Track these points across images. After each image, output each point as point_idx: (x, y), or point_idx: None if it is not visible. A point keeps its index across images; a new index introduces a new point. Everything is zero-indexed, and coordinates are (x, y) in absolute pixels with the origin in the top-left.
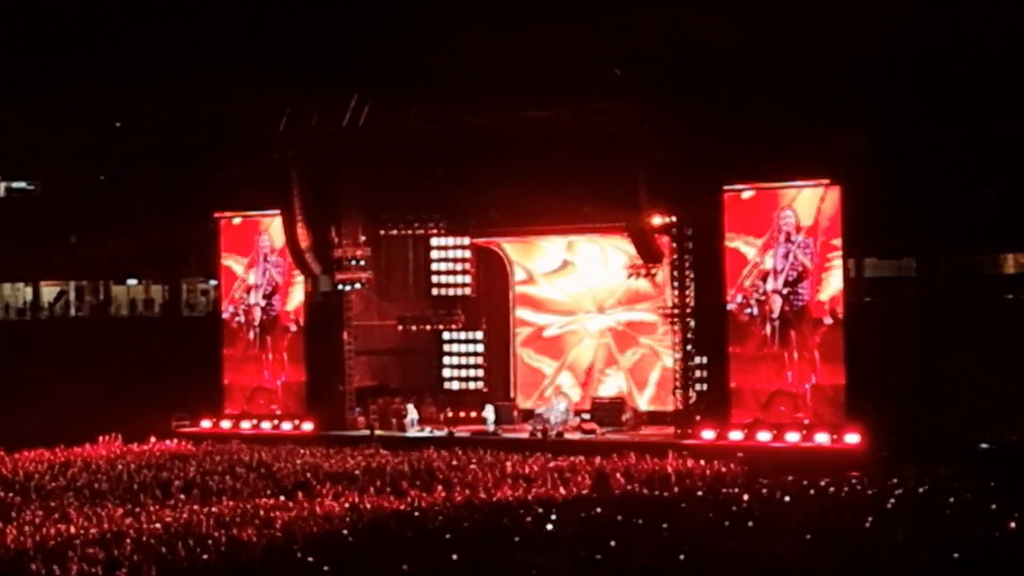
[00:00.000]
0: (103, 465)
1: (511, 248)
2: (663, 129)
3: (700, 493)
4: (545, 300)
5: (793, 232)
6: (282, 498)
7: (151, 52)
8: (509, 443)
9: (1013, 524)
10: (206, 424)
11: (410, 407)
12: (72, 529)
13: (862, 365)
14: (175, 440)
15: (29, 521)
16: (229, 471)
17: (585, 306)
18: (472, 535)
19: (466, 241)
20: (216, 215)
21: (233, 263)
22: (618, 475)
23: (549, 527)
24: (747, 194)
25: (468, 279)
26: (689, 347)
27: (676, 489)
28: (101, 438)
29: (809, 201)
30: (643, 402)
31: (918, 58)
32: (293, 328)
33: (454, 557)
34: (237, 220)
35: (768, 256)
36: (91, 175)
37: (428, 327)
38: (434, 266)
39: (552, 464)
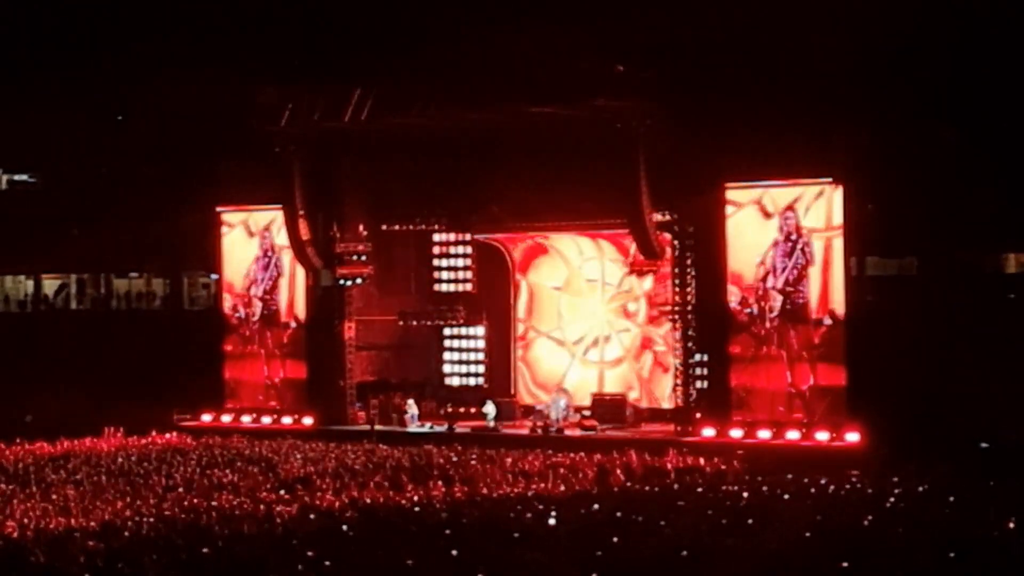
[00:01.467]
0: (104, 458)
1: (518, 253)
2: (665, 126)
3: (700, 490)
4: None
5: (794, 231)
6: (282, 492)
7: (154, 45)
8: (509, 439)
9: (1012, 524)
10: (207, 418)
11: (411, 402)
12: (72, 522)
13: (863, 363)
14: (176, 434)
15: (30, 513)
16: (229, 465)
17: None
18: (472, 531)
19: (467, 237)
20: (218, 209)
21: (233, 265)
22: (618, 472)
23: (549, 523)
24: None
25: (469, 275)
26: (689, 344)
27: (676, 486)
28: (103, 431)
29: (810, 199)
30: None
31: (921, 56)
32: (294, 323)
33: (454, 553)
34: (238, 215)
35: (769, 255)
36: (93, 168)
37: (429, 323)
38: (436, 262)
39: (552, 460)
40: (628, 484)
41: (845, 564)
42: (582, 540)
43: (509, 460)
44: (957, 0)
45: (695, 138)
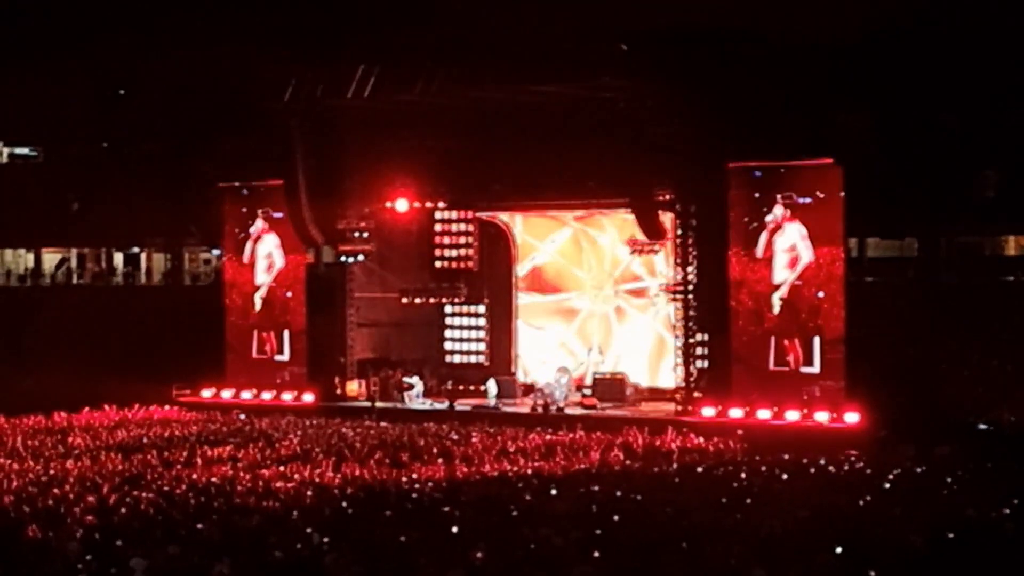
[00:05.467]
0: (102, 433)
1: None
2: (668, 106)
3: (700, 470)
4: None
5: (795, 211)
6: (282, 468)
7: (157, 20)
8: (510, 417)
9: (1009, 505)
10: (207, 393)
11: (416, 379)
12: (70, 496)
13: (862, 344)
14: (176, 409)
15: (27, 487)
16: (229, 440)
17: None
18: (471, 508)
19: (470, 214)
20: (220, 185)
21: (234, 241)
22: (618, 451)
23: (548, 502)
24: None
25: (471, 252)
26: (691, 324)
27: (675, 465)
28: (104, 406)
29: (811, 180)
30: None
31: (921, 38)
32: (294, 299)
33: (453, 530)
34: (240, 191)
35: (770, 235)
36: (95, 143)
37: (431, 300)
38: (437, 239)
39: (552, 439)
40: (628, 463)
41: (843, 544)
42: (581, 519)
43: (509, 438)
44: None
45: (698, 118)
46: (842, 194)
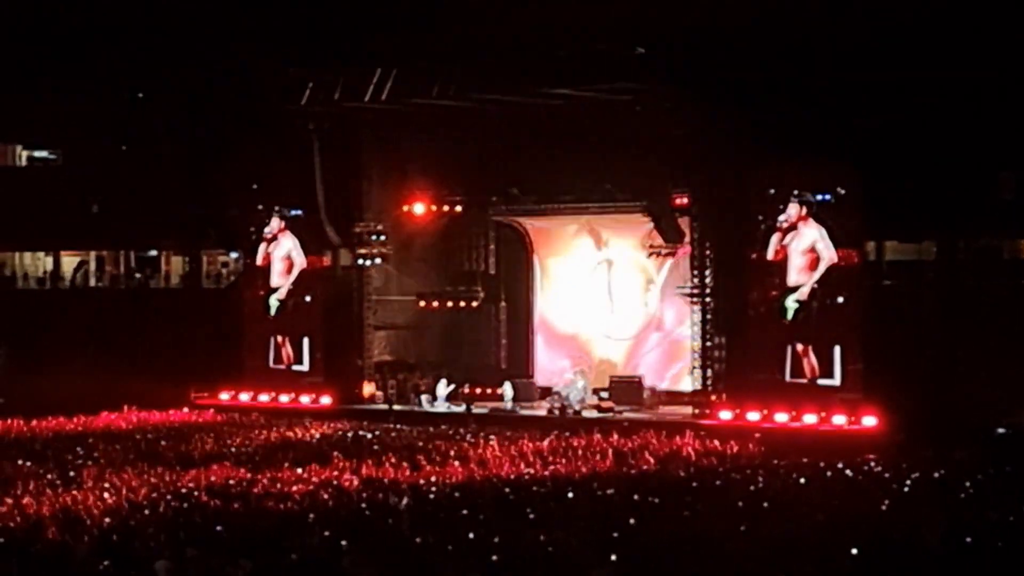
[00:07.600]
0: (121, 435)
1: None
2: (685, 109)
3: (717, 474)
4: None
5: (812, 214)
6: (299, 470)
7: (174, 23)
8: (527, 420)
9: None
10: (225, 396)
11: (442, 382)
12: (89, 498)
13: (880, 348)
14: (194, 411)
15: (46, 490)
16: (247, 443)
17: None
18: (487, 511)
19: (487, 217)
20: (237, 187)
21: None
22: (635, 454)
23: (565, 504)
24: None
25: (488, 255)
26: (708, 327)
27: (692, 469)
28: (122, 408)
29: (828, 182)
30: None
31: (938, 41)
32: (312, 302)
33: (470, 535)
34: (258, 194)
35: (787, 238)
36: (113, 145)
37: (448, 303)
38: (455, 242)
39: (569, 442)
40: (645, 466)
41: (861, 548)
42: (598, 522)
43: (526, 441)
44: None
45: (715, 121)
46: (860, 197)
